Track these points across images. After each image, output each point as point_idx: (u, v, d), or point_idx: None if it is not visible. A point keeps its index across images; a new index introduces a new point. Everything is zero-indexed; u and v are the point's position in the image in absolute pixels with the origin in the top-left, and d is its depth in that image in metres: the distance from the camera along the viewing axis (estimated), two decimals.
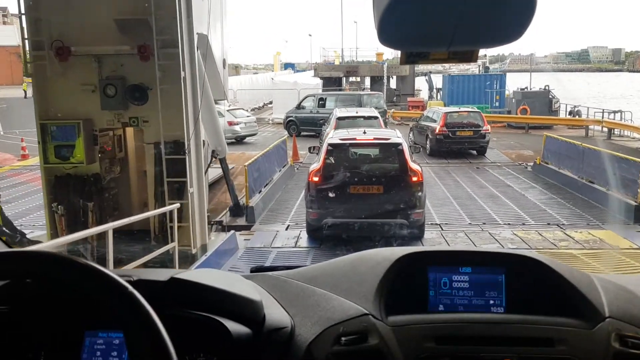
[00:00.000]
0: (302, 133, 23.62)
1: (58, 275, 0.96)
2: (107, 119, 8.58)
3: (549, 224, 10.45)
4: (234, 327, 1.30)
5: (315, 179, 9.32)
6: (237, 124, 22.18)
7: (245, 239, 9.69)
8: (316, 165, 9.58)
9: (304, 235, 9.85)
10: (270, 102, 35.22)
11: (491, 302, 1.57)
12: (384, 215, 9.16)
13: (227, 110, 22.58)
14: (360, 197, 9.14)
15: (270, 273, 1.71)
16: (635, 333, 1.39)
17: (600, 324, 1.42)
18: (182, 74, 7.96)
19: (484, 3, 0.78)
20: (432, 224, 10.46)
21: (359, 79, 39.80)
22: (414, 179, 9.19)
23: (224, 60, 9.98)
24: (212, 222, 9.99)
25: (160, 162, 8.27)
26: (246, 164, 11.26)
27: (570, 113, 29.30)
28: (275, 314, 1.43)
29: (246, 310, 1.35)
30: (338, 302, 1.49)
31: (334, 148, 9.64)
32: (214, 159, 10.09)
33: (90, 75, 8.39)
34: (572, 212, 11.30)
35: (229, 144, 22.22)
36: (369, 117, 16.44)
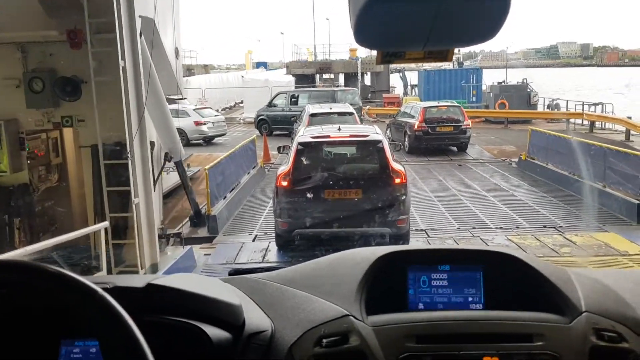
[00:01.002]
0: (275, 132, 22.49)
1: (32, 284, 0.97)
2: (36, 119, 7.28)
3: (545, 226, 9.46)
4: (214, 332, 1.28)
5: (284, 183, 8.17)
6: (204, 124, 21.04)
7: (205, 254, 8.49)
8: (285, 168, 8.43)
9: (273, 247, 8.67)
10: (242, 102, 33.92)
11: (470, 299, 1.59)
12: (364, 223, 8.05)
13: (194, 110, 21.49)
14: (336, 202, 8.02)
15: (248, 276, 1.68)
16: (612, 327, 1.40)
17: (578, 318, 1.42)
18: (121, 63, 6.69)
19: (459, 3, 0.77)
20: (416, 229, 9.39)
21: (332, 76, 38.74)
22: (397, 180, 8.09)
23: (177, 50, 8.72)
24: (168, 235, 8.72)
25: (99, 169, 6.99)
26: (207, 167, 10.01)
27: (548, 107, 28.69)
28: (255, 317, 1.42)
29: (225, 314, 1.32)
30: (318, 303, 1.48)
31: (305, 147, 8.49)
32: (167, 163, 8.82)
33: (13, 68, 7.08)
34: (567, 213, 10.34)
35: (195, 145, 21.55)
36: (344, 113, 15.52)
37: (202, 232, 9.80)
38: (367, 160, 8.77)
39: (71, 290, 0.93)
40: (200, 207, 10.07)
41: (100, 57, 6.75)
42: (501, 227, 9.46)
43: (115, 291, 1.03)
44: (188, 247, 8.36)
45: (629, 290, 1.56)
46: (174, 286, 1.30)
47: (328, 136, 8.71)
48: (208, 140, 21.51)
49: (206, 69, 43.80)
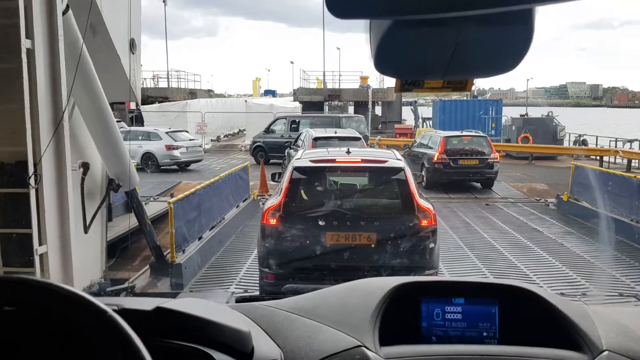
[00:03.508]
0: (272, 160, 20.54)
1: (41, 302, 0.93)
2: None
3: (621, 294, 7.05)
4: (222, 358, 1.23)
5: (273, 220, 6.01)
6: (177, 149, 19.46)
7: None
8: (274, 201, 6.25)
9: None
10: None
11: (484, 333, 1.56)
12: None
13: (167, 133, 19.88)
14: (342, 250, 5.92)
15: (257, 303, 1.64)
16: None
17: (598, 356, 1.37)
18: (26, 43, 4.48)
19: (480, 33, 0.75)
20: None
21: (341, 104, 36.79)
22: (424, 222, 5.96)
23: (133, 42, 6.48)
24: (114, 292, 6.38)
25: None
26: (171, 200, 7.71)
27: (575, 142, 26.39)
28: (264, 345, 1.38)
29: (234, 341, 1.28)
30: (329, 333, 1.45)
31: (303, 174, 6.37)
32: (113, 193, 6.54)
33: None
34: None
35: (167, 170, 19.42)
36: (351, 138, 13.65)
37: (164, 284, 7.47)
38: (384, 193, 6.70)
39: (84, 312, 0.91)
40: (163, 252, 7.75)
41: None
42: (562, 293, 7.05)
43: (123, 314, 0.97)
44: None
45: None
46: (183, 310, 1.24)
47: (333, 160, 6.57)
48: (185, 166, 20.11)
49: (209, 93, 41.98)
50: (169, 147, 19.36)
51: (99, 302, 0.92)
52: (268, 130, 22.28)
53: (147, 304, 1.25)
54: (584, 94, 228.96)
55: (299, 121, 22.34)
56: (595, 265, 8.18)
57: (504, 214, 12.24)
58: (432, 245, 6.00)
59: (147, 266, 7.91)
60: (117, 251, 9.24)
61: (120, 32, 6.21)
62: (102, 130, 5.93)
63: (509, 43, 0.76)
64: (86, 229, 5.67)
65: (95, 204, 6.06)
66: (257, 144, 22.12)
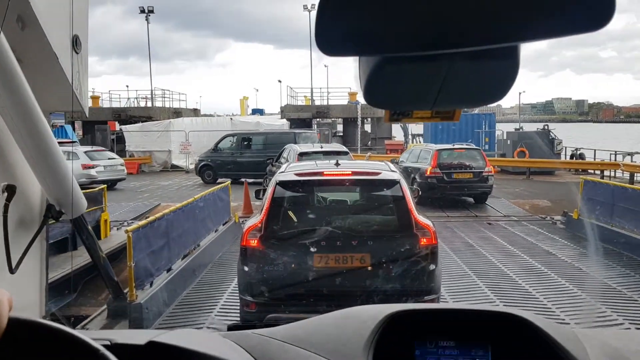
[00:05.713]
0: (219, 180, 19.71)
1: (25, 340, 0.86)
2: None
3: None
4: None
5: (253, 242, 5.40)
6: (93, 167, 19.27)
7: None
8: (255, 220, 5.57)
9: None
10: None
11: None
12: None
13: (85, 152, 19.52)
14: (332, 274, 5.35)
15: (249, 331, 1.61)
16: None
17: None
18: None
19: (468, 67, 0.76)
20: None
21: (330, 120, 36.03)
22: (424, 240, 5.36)
23: (76, 39, 5.40)
24: None
25: None
26: (130, 228, 6.59)
27: (572, 156, 25.61)
28: None
29: None
30: None
31: (287, 189, 5.79)
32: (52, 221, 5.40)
33: None
34: None
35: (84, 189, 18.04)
36: (338, 153, 13.15)
37: (123, 328, 6.32)
38: (378, 209, 6.17)
39: (73, 350, 0.86)
40: (122, 290, 6.61)
41: None
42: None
43: (115, 349, 0.98)
44: None
45: (635, 353, 1.50)
46: (175, 344, 1.25)
47: (321, 173, 5.95)
48: (111, 185, 19.71)
49: (195, 112, 40.98)
50: (85, 166, 19.13)
51: (93, 341, 0.88)
52: (216, 149, 21.61)
53: (139, 337, 1.25)
54: (570, 110, 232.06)
55: (250, 138, 21.75)
56: (626, 295, 7.12)
57: (509, 234, 11.22)
58: (432, 266, 5.34)
59: (105, 306, 6.76)
60: (80, 285, 8.18)
61: (59, 27, 5.12)
62: (35, 146, 4.78)
63: (496, 76, 0.77)
64: (12, 267, 4.52)
65: (27, 234, 4.93)
66: (204, 162, 21.43)
